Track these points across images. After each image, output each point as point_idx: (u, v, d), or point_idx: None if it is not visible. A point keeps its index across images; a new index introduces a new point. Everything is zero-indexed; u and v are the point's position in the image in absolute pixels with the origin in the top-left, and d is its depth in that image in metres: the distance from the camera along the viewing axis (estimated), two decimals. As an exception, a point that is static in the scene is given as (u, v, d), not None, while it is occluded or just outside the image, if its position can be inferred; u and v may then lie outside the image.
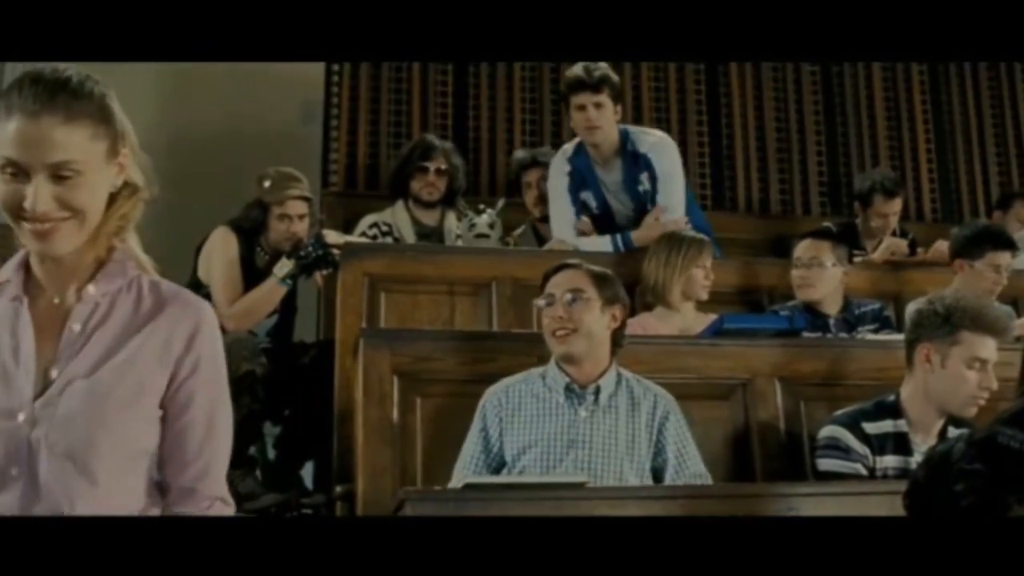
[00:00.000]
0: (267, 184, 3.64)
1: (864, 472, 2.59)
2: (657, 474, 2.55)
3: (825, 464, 2.63)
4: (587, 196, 3.81)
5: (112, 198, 1.42)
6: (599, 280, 2.61)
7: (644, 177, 3.72)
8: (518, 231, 4.18)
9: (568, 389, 2.55)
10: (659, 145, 3.75)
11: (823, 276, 3.42)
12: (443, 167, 4.07)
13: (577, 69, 3.69)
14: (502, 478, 2.36)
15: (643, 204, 3.73)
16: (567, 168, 3.82)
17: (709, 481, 2.57)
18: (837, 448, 2.62)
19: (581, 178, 3.81)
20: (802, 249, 3.49)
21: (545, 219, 4.10)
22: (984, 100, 5.63)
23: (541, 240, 4.07)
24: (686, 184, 3.91)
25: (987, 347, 2.56)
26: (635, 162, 3.72)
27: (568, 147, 3.88)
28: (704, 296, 3.35)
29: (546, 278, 2.66)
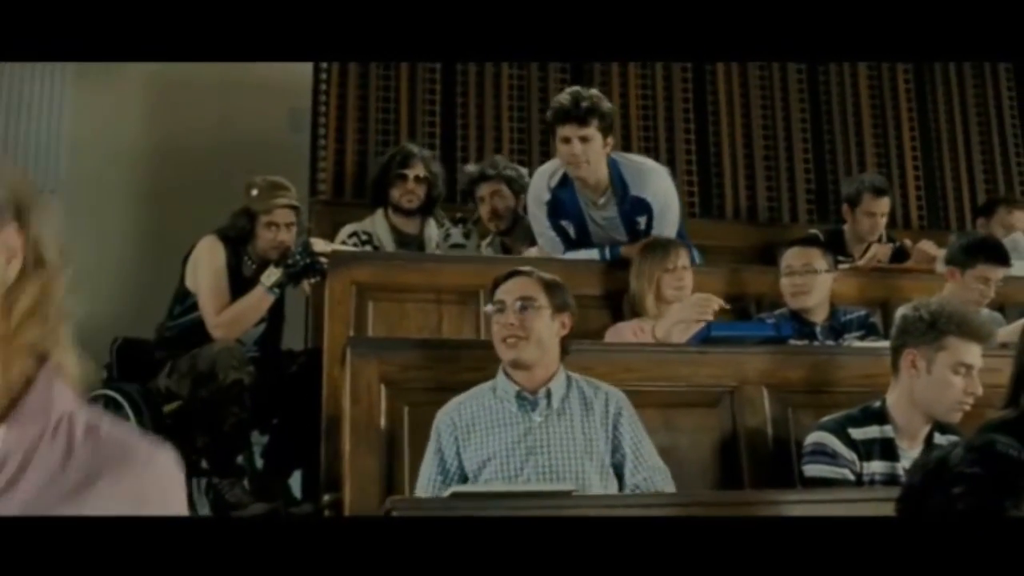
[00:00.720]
0: (254, 193, 3.64)
1: (851, 477, 2.59)
2: (617, 470, 2.55)
3: (812, 470, 2.63)
4: (566, 224, 3.65)
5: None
6: (550, 287, 2.60)
7: (643, 219, 3.59)
8: (485, 242, 4.13)
9: (519, 396, 2.54)
10: (657, 186, 3.57)
11: (816, 282, 3.43)
12: (422, 174, 4.06)
13: (564, 97, 3.47)
14: (489, 487, 2.35)
15: (637, 236, 3.63)
16: (546, 197, 3.62)
17: (667, 472, 2.57)
18: (824, 453, 2.61)
19: (562, 209, 3.62)
20: (793, 257, 3.49)
21: (501, 233, 4.05)
22: (970, 106, 5.66)
23: (507, 252, 4.02)
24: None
25: (972, 353, 2.57)
26: (634, 206, 3.56)
27: (553, 173, 3.64)
28: (684, 296, 3.31)
29: (496, 284, 2.64)
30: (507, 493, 2.17)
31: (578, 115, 3.41)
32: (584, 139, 3.43)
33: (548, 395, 2.55)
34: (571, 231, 3.67)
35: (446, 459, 2.52)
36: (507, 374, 2.59)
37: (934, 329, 2.58)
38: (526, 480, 2.41)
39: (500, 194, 4.07)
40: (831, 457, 2.60)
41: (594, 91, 3.54)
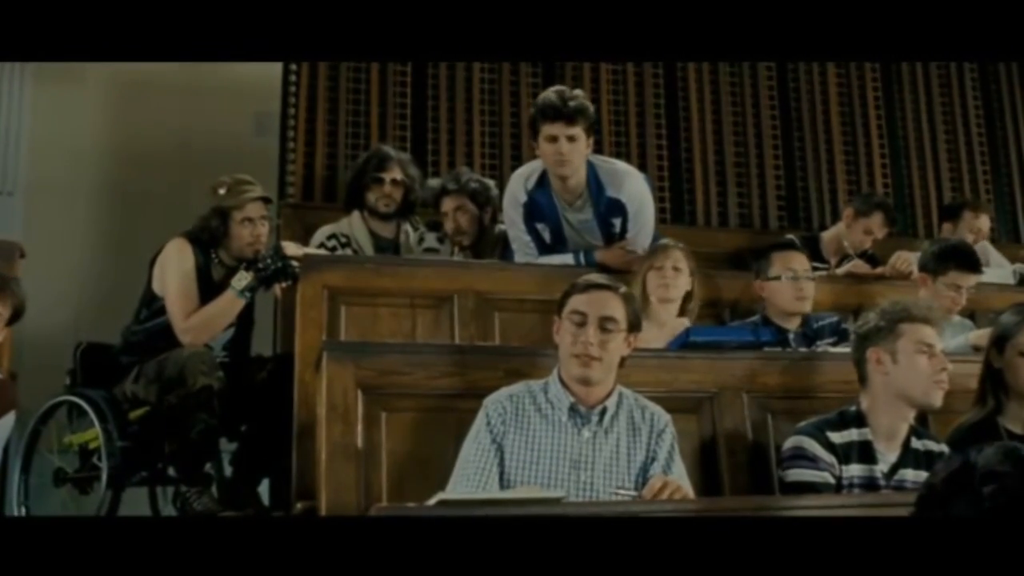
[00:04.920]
0: (223, 191, 3.58)
1: (831, 481, 2.59)
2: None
3: (793, 474, 2.62)
4: (542, 227, 3.64)
5: None
6: (629, 305, 2.56)
7: (618, 221, 3.60)
8: (458, 247, 4.07)
9: (572, 409, 2.50)
10: (632, 188, 3.58)
11: (813, 287, 3.47)
12: (398, 178, 4.03)
13: (551, 96, 3.44)
14: (476, 494, 2.31)
15: (612, 239, 3.65)
16: (523, 199, 3.60)
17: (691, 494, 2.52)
18: (804, 458, 2.61)
19: (539, 211, 3.61)
20: (795, 260, 3.50)
21: (466, 248, 4.01)
22: (936, 112, 5.72)
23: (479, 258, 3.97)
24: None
25: (927, 333, 2.63)
26: (609, 208, 3.57)
27: (529, 175, 3.63)
28: (667, 296, 3.35)
29: (574, 292, 2.56)
30: (494, 501, 2.13)
31: (567, 113, 3.39)
32: (571, 138, 3.42)
33: (602, 413, 2.51)
34: (546, 235, 3.65)
35: (503, 446, 2.45)
36: (563, 383, 2.53)
37: (886, 324, 2.65)
38: (565, 492, 2.35)
39: (463, 208, 4.00)
40: (811, 461, 2.60)
41: (578, 91, 3.52)
